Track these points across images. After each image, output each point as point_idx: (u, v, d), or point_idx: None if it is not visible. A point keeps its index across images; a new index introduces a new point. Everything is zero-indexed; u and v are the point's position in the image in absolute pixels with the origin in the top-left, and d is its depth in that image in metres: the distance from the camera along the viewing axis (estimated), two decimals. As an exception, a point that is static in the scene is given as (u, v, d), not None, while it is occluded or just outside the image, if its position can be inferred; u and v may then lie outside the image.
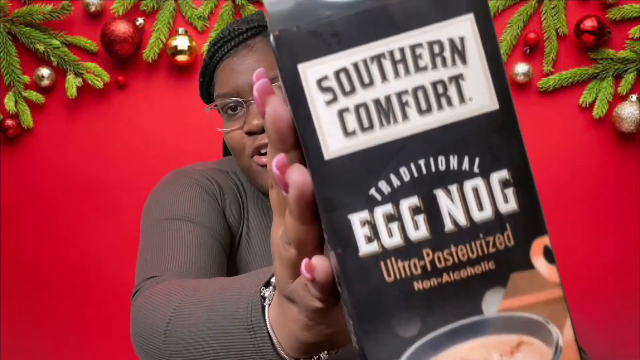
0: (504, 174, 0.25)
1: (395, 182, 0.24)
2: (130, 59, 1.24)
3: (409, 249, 0.24)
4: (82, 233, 1.29)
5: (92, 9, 1.22)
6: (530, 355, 0.25)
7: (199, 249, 0.72)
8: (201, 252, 0.72)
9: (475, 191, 0.25)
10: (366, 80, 0.24)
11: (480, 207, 0.25)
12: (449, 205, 0.25)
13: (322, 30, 0.24)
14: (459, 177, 0.24)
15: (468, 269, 0.25)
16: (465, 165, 0.25)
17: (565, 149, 1.24)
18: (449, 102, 0.24)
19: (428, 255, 0.24)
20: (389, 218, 0.24)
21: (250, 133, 0.76)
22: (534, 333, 0.26)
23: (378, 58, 0.24)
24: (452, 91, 0.24)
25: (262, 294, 0.44)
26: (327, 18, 0.24)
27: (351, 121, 0.24)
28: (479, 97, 0.24)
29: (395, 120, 0.24)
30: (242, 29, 0.79)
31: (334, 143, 0.24)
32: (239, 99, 0.77)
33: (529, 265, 0.26)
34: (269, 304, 0.42)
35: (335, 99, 0.24)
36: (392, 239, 0.24)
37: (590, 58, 1.21)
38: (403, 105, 0.24)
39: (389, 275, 0.24)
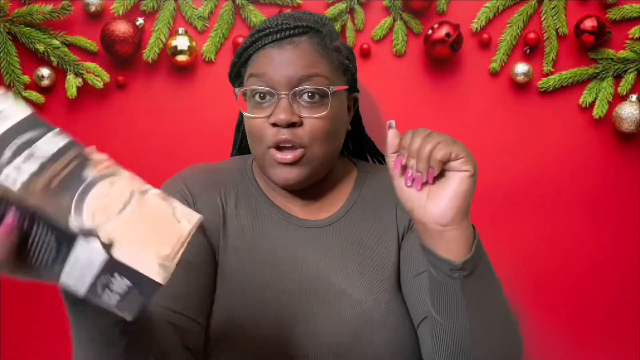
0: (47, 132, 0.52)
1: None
2: (130, 59, 1.24)
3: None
4: (82, 233, 1.29)
5: (92, 9, 1.22)
6: (121, 185, 0.51)
7: (180, 292, 0.77)
8: (185, 298, 0.77)
9: (43, 142, 0.50)
10: None
11: (50, 146, 0.50)
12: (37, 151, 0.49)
13: None
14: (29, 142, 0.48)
15: (65, 169, 0.48)
16: (25, 136, 0.47)
17: (565, 149, 1.24)
18: None
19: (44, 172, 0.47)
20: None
21: (275, 125, 0.78)
22: (112, 175, 0.51)
23: None
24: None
25: None
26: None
27: None
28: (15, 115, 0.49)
29: None
30: (290, 24, 0.81)
31: None
32: (271, 89, 0.79)
33: (89, 159, 0.52)
34: None
35: None
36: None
37: (590, 58, 1.21)
38: None
39: (33, 190, 0.45)
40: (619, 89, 1.20)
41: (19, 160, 0.45)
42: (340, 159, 0.94)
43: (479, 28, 1.21)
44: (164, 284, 0.48)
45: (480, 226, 1.24)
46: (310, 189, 0.88)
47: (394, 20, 1.21)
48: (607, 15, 1.19)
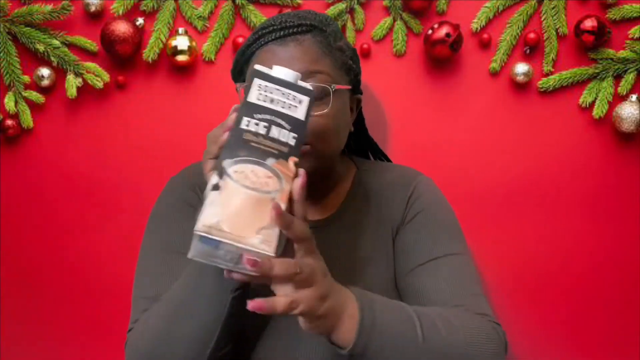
0: (294, 135, 0.67)
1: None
2: (130, 59, 1.24)
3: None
4: (82, 233, 1.29)
5: (92, 9, 1.22)
6: (271, 182, 0.63)
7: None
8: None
9: (284, 133, 0.66)
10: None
11: (282, 137, 0.66)
12: (274, 130, 0.66)
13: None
14: (282, 127, 0.66)
15: (270, 149, 0.64)
16: (285, 125, 0.66)
17: (565, 149, 1.24)
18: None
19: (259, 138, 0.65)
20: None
21: None
22: (276, 176, 0.63)
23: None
24: (293, 108, 0.68)
25: None
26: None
27: None
28: (300, 114, 0.68)
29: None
30: (294, 22, 0.81)
31: None
32: None
33: (287, 161, 0.65)
34: None
35: None
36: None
37: (590, 58, 1.21)
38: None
39: (244, 136, 0.64)
40: (619, 89, 1.20)
41: (262, 123, 0.66)
42: (341, 158, 0.94)
43: (479, 28, 1.21)
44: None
45: (480, 226, 1.25)
46: (312, 188, 0.88)
47: (394, 20, 1.21)
48: (607, 15, 1.19)
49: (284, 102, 0.66)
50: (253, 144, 0.63)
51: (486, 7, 1.20)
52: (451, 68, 1.24)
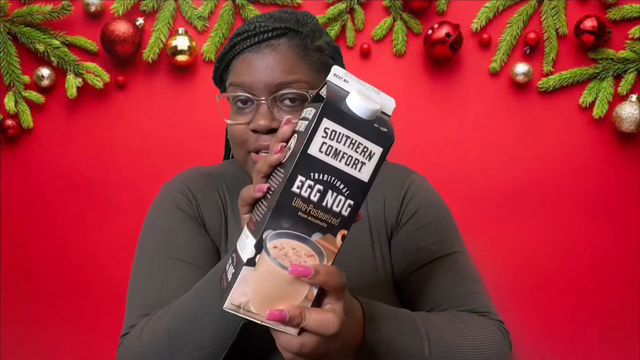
0: (350, 202, 0.56)
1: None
2: (130, 59, 1.24)
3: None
4: (82, 233, 1.29)
5: (92, 9, 1.22)
6: (311, 261, 0.56)
7: (179, 286, 0.78)
8: (180, 289, 0.77)
9: (340, 200, 0.55)
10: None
11: (337, 205, 0.55)
12: (329, 197, 0.55)
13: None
14: (339, 192, 0.55)
15: (319, 222, 0.55)
16: (343, 189, 0.55)
17: (565, 149, 1.24)
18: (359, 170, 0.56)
19: (310, 206, 0.55)
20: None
21: (255, 131, 0.77)
22: (318, 254, 0.56)
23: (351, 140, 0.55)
24: (359, 166, 0.55)
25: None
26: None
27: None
28: (365, 175, 0.56)
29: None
30: (268, 26, 0.78)
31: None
32: (250, 95, 0.78)
33: (335, 235, 0.56)
34: None
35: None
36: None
37: (590, 58, 1.21)
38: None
39: (293, 203, 0.54)
40: (619, 89, 1.20)
41: (318, 186, 0.55)
42: None
43: (479, 28, 1.21)
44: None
45: (480, 226, 1.25)
46: None
47: (394, 20, 1.21)
48: (607, 15, 1.20)
49: (351, 156, 0.54)
50: (301, 214, 0.54)
51: (486, 7, 1.20)
52: (451, 68, 1.24)
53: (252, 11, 1.20)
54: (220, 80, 0.86)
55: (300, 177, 0.53)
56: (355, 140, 0.54)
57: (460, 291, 0.82)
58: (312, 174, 0.54)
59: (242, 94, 0.78)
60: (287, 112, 0.78)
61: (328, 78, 0.57)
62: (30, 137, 1.28)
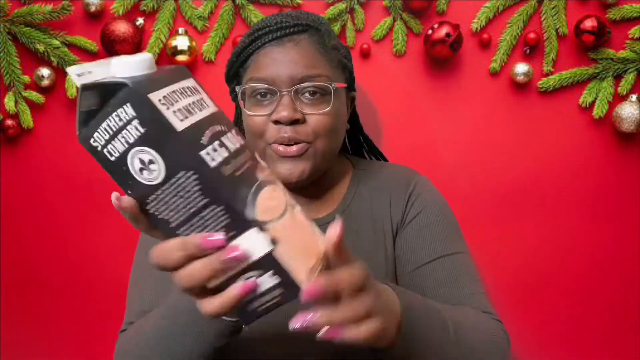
0: (233, 130, 0.52)
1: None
2: (130, 59, 1.24)
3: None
4: (82, 233, 1.29)
5: (92, 9, 1.22)
6: (280, 193, 0.52)
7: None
8: None
9: (230, 137, 0.51)
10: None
11: (235, 143, 0.51)
12: (227, 142, 0.50)
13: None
14: (224, 133, 0.50)
15: (245, 165, 0.50)
16: (222, 128, 0.50)
17: (565, 149, 1.24)
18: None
19: (231, 161, 0.49)
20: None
21: (277, 122, 0.78)
22: (275, 183, 0.52)
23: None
24: (202, 103, 0.50)
25: None
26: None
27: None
28: (211, 106, 0.51)
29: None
30: (289, 22, 0.81)
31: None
32: (273, 87, 0.79)
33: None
34: None
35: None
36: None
37: (590, 58, 1.21)
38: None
39: (226, 173, 0.47)
40: (619, 89, 1.20)
41: (215, 144, 0.47)
42: (337, 157, 0.94)
43: (479, 28, 1.21)
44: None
45: (480, 226, 1.25)
46: (310, 187, 0.88)
47: (394, 20, 1.21)
48: (607, 15, 1.19)
49: (192, 102, 0.49)
50: (237, 172, 0.49)
51: (486, 7, 1.20)
52: (451, 68, 1.24)
53: (252, 11, 1.20)
54: (235, 74, 0.87)
55: (203, 152, 0.46)
56: (178, 88, 0.48)
57: (461, 291, 0.82)
58: (201, 141, 0.47)
59: (264, 86, 0.79)
60: (307, 104, 0.80)
61: (78, 84, 0.48)
62: (30, 137, 1.28)
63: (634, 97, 1.19)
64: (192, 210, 0.48)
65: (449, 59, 1.22)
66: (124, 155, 0.48)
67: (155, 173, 0.47)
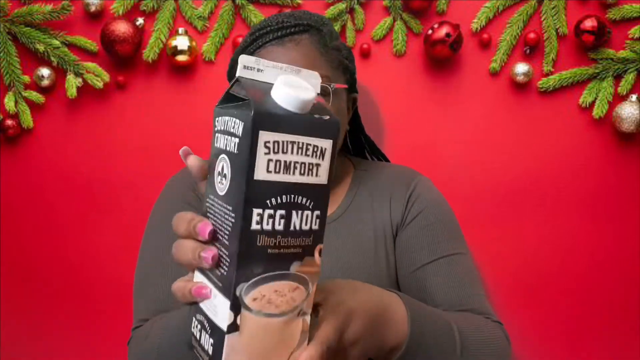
0: (317, 213, 0.48)
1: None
2: (130, 59, 1.24)
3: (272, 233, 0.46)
4: (82, 233, 1.29)
5: (92, 9, 1.22)
6: (297, 294, 0.48)
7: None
8: None
9: (306, 216, 0.47)
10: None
11: (305, 224, 0.47)
12: (295, 219, 0.46)
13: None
14: (303, 208, 0.47)
15: (292, 250, 0.47)
16: (307, 203, 0.47)
17: (565, 149, 1.24)
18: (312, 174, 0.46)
19: (278, 238, 0.46)
20: (269, 216, 0.45)
21: None
22: (302, 283, 0.48)
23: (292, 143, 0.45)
24: (315, 170, 0.46)
25: None
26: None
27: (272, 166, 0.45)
28: (323, 177, 0.47)
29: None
30: (290, 22, 0.81)
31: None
32: None
33: (312, 255, 0.48)
34: None
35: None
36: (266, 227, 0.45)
37: (590, 58, 1.21)
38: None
39: (259, 242, 0.45)
40: (619, 89, 1.20)
41: (277, 213, 0.45)
42: (338, 157, 0.94)
43: (479, 28, 1.21)
44: None
45: (480, 226, 1.25)
46: None
47: (394, 20, 1.21)
48: (607, 15, 1.19)
49: (303, 163, 0.46)
50: (271, 250, 0.45)
51: (486, 7, 1.20)
52: (451, 68, 1.24)
53: (252, 11, 1.20)
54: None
55: (256, 211, 0.44)
56: (302, 143, 0.45)
57: (461, 292, 0.82)
58: (267, 201, 0.44)
59: None
60: None
61: (239, 74, 0.47)
62: (30, 137, 1.28)
63: (634, 97, 1.19)
64: (219, 234, 0.47)
65: (449, 59, 1.22)
66: (219, 152, 0.48)
67: (221, 187, 0.47)
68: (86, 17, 1.24)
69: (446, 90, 1.24)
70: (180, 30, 1.21)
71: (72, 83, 1.22)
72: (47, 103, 1.26)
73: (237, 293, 0.45)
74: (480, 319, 0.78)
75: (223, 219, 0.46)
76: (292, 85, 0.45)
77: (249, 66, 0.47)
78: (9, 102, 1.22)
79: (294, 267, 0.47)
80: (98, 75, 1.22)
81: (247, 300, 0.45)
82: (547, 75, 1.21)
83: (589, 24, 1.16)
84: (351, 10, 1.21)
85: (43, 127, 1.27)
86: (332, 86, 0.80)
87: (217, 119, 0.49)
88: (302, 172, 0.45)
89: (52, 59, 1.22)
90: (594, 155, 1.24)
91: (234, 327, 0.46)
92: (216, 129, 0.49)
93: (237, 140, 0.45)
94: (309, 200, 0.46)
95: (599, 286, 1.27)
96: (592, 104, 1.21)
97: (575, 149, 1.24)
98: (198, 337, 0.50)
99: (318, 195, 0.47)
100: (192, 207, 0.85)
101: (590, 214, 1.26)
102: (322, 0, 1.21)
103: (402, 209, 0.89)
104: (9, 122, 1.24)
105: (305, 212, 0.46)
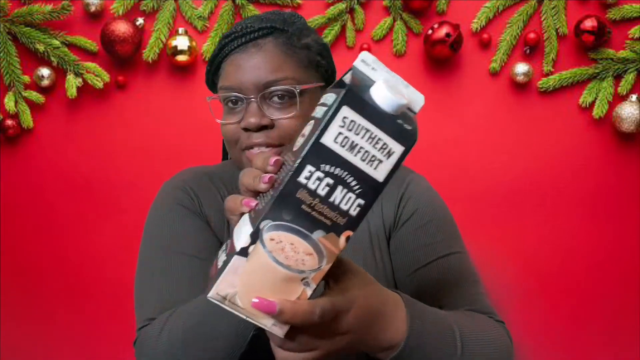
0: (361, 202, 0.50)
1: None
2: (130, 59, 1.24)
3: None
4: (82, 233, 1.29)
5: (92, 9, 1.22)
6: (309, 260, 0.51)
7: (191, 281, 0.78)
8: (192, 284, 0.77)
9: (349, 197, 0.50)
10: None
11: (345, 204, 0.50)
12: (338, 194, 0.50)
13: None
14: (350, 189, 0.50)
15: (323, 218, 0.50)
16: (355, 187, 0.50)
17: (565, 149, 1.24)
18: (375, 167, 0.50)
19: (315, 200, 0.49)
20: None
21: (246, 129, 0.78)
22: (318, 253, 0.51)
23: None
24: (376, 164, 0.50)
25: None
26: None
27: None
28: (381, 174, 0.50)
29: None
30: (254, 27, 0.80)
31: None
32: (240, 94, 0.79)
33: (339, 235, 0.51)
34: None
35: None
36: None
37: (590, 58, 1.21)
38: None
39: (298, 194, 0.49)
40: (619, 89, 1.20)
41: (326, 179, 0.50)
42: None
43: (479, 28, 1.21)
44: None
45: (480, 226, 1.25)
46: None
47: (394, 20, 1.21)
48: (607, 15, 1.19)
49: (368, 152, 0.49)
50: (305, 207, 0.49)
51: (486, 7, 1.20)
52: (451, 68, 1.24)
53: (252, 11, 1.20)
54: (212, 83, 0.87)
55: (309, 167, 0.48)
56: (375, 135, 0.49)
57: (461, 292, 0.82)
58: (322, 165, 0.48)
59: (232, 95, 0.79)
60: (277, 109, 0.79)
61: (354, 64, 0.51)
62: (30, 137, 1.28)
63: (634, 97, 1.19)
64: (277, 181, 0.52)
65: (449, 59, 1.22)
66: (310, 119, 0.52)
67: (297, 144, 0.52)
68: (86, 17, 1.24)
69: (446, 90, 1.24)
70: (180, 30, 1.21)
71: (72, 83, 1.22)
72: (47, 103, 1.26)
73: (261, 226, 0.49)
74: (483, 318, 0.78)
75: (286, 169, 0.51)
76: (390, 87, 0.49)
77: (366, 62, 0.51)
78: (9, 102, 1.22)
79: (317, 235, 0.50)
80: (98, 75, 1.22)
81: (266, 236, 0.50)
82: (547, 75, 1.21)
83: (589, 24, 1.16)
84: (351, 10, 1.21)
85: (43, 127, 1.27)
86: (297, 88, 0.79)
87: (323, 96, 0.54)
88: (364, 159, 0.49)
89: (52, 59, 1.22)
90: (594, 155, 1.24)
91: (244, 253, 0.50)
92: (318, 102, 0.54)
93: (325, 109, 0.49)
94: (358, 186, 0.50)
95: (598, 286, 1.27)
96: (592, 104, 1.21)
97: (575, 149, 1.24)
98: (219, 256, 0.55)
99: (369, 187, 0.50)
100: (187, 210, 0.85)
101: (590, 214, 1.26)
102: (322, 0, 1.21)
103: (394, 209, 0.88)
104: (9, 122, 1.24)
105: (350, 194, 0.50)
